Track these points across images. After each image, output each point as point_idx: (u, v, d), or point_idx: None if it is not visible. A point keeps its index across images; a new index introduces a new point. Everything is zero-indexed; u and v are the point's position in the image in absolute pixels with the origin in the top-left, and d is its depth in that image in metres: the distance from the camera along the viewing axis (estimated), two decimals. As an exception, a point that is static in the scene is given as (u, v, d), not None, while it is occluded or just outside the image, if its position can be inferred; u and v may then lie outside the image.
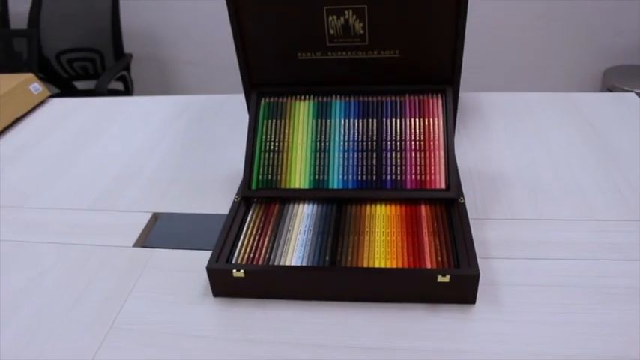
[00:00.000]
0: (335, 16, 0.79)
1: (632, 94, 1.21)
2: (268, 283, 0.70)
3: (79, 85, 2.24)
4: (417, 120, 0.84)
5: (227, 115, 1.20)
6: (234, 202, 0.82)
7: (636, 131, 1.05)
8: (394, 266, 0.70)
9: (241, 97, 1.21)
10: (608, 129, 1.06)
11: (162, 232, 0.86)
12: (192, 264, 0.78)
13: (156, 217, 0.89)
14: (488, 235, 0.80)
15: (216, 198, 0.92)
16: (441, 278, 0.66)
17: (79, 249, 0.82)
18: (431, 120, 0.84)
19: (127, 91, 2.17)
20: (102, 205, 0.93)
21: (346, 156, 0.82)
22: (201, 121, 1.18)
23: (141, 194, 0.95)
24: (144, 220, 0.88)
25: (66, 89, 2.17)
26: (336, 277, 0.70)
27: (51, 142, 1.14)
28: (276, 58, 0.85)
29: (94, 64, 2.18)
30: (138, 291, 0.74)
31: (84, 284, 0.76)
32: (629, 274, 0.71)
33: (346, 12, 0.79)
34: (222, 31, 2.34)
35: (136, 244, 0.83)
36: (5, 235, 0.87)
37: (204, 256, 0.77)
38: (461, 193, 0.81)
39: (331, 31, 0.81)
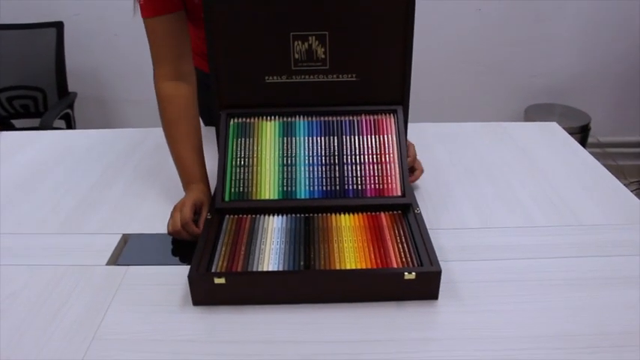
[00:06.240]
0: (300, 42, 0.88)
1: (554, 123, 1.36)
2: (248, 289, 0.74)
3: (17, 123, 2.19)
4: (373, 137, 0.92)
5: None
6: (206, 218, 0.86)
7: (560, 153, 1.19)
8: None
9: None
10: (536, 151, 1.19)
11: (133, 251, 0.88)
12: (169, 278, 0.80)
13: (126, 239, 0.91)
14: (442, 242, 0.88)
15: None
16: (407, 276, 0.73)
17: (51, 269, 0.83)
18: (385, 136, 0.93)
19: (70, 129, 2.15)
20: (69, 229, 0.93)
21: (311, 169, 0.89)
22: (160, 150, 1.21)
23: (108, 217, 0.96)
24: (114, 241, 0.89)
25: (2, 127, 2.11)
26: (311, 280, 0.75)
27: (5, 173, 1.13)
28: (244, 82, 0.92)
29: (36, 102, 2.14)
30: (117, 304, 0.76)
31: (61, 301, 0.76)
32: (564, 268, 0.82)
33: (310, 38, 0.88)
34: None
35: (109, 263, 0.84)
36: (-32, 260, 0.86)
37: (180, 270, 0.81)
38: (416, 204, 0.89)
39: (296, 56, 0.89)
